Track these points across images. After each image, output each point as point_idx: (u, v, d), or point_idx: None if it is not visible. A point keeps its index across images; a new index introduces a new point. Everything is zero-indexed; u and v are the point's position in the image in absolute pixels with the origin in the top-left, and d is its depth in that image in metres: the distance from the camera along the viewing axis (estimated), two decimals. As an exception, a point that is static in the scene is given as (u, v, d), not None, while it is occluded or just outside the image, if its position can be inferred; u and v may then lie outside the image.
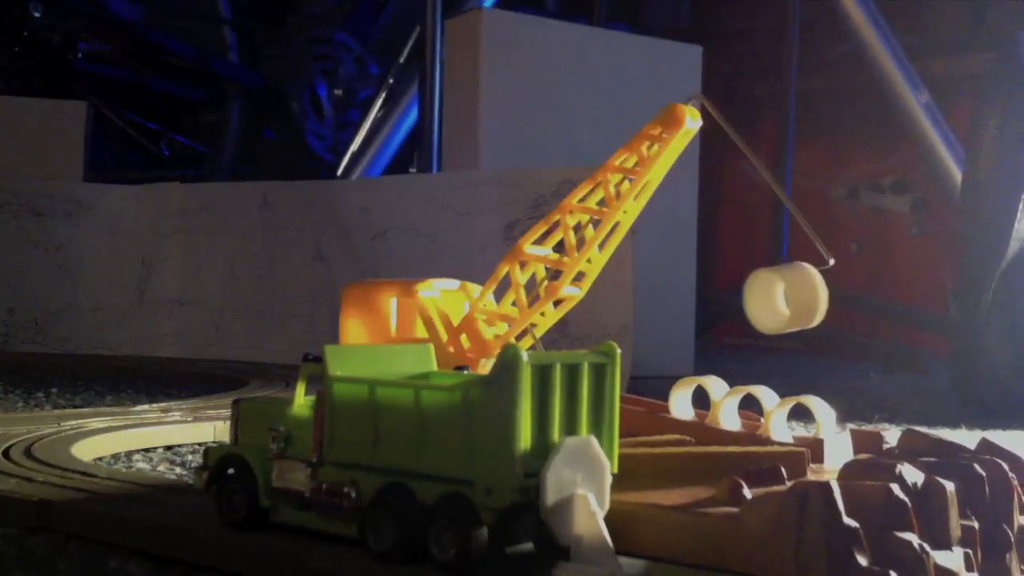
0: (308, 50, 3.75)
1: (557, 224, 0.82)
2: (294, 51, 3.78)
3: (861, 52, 3.04)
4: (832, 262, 0.80)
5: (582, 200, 0.81)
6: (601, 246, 0.80)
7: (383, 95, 3.38)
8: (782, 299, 0.81)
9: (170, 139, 3.77)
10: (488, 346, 0.82)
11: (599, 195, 0.81)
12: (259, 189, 2.39)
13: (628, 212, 0.80)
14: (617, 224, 0.80)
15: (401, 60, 3.33)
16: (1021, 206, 1.71)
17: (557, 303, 0.82)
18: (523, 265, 0.82)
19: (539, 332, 0.82)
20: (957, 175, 2.66)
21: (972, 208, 1.81)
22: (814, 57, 3.44)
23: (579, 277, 0.81)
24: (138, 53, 3.67)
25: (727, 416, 0.87)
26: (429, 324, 0.84)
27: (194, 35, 3.86)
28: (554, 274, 0.81)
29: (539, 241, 0.82)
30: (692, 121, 0.78)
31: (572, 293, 0.81)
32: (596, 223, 0.80)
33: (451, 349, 0.83)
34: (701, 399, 0.90)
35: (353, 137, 3.43)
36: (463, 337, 0.83)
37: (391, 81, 3.37)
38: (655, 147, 0.79)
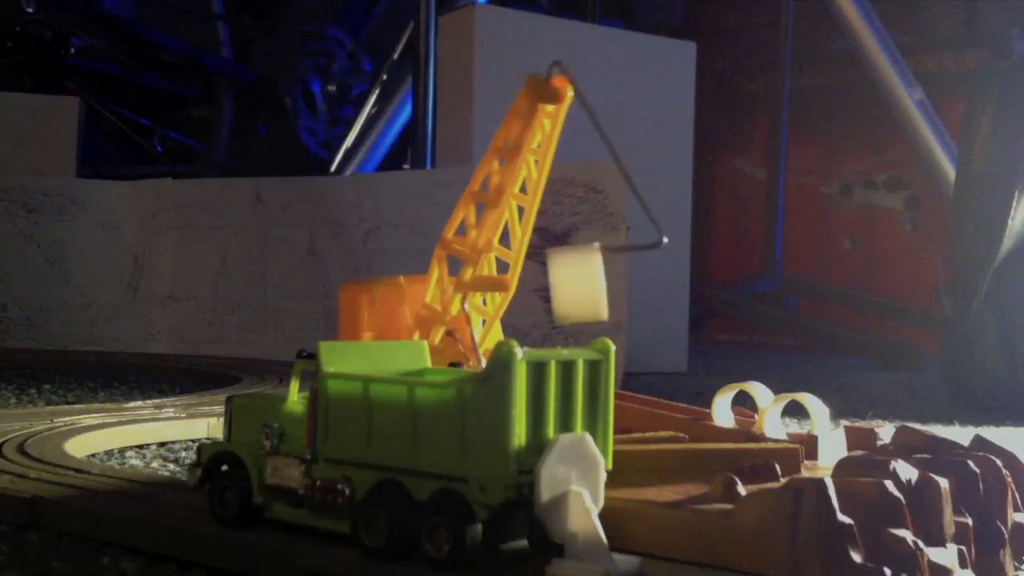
0: (301, 46, 3.74)
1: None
2: (287, 47, 3.77)
3: (855, 49, 3.04)
4: (665, 240, 0.75)
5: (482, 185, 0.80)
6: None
7: (376, 91, 3.38)
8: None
9: (163, 135, 3.77)
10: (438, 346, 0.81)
11: (497, 178, 0.79)
12: (252, 185, 2.38)
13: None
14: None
15: (395, 56, 3.33)
16: (1014, 203, 1.71)
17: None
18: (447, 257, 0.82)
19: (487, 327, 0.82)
20: (951, 172, 2.67)
21: (966, 205, 1.81)
22: (808, 54, 3.45)
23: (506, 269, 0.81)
24: (130, 49, 3.66)
25: (720, 413, 0.87)
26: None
27: (186, 30, 3.85)
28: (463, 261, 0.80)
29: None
30: (547, 89, 0.78)
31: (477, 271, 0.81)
32: (520, 210, 0.79)
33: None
34: (695, 398, 0.90)
35: (346, 133, 3.43)
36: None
37: (384, 77, 3.36)
38: (549, 123, 0.79)
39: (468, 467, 0.59)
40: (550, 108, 0.78)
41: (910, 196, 3.35)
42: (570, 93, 0.78)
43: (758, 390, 0.85)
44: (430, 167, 2.58)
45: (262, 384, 1.67)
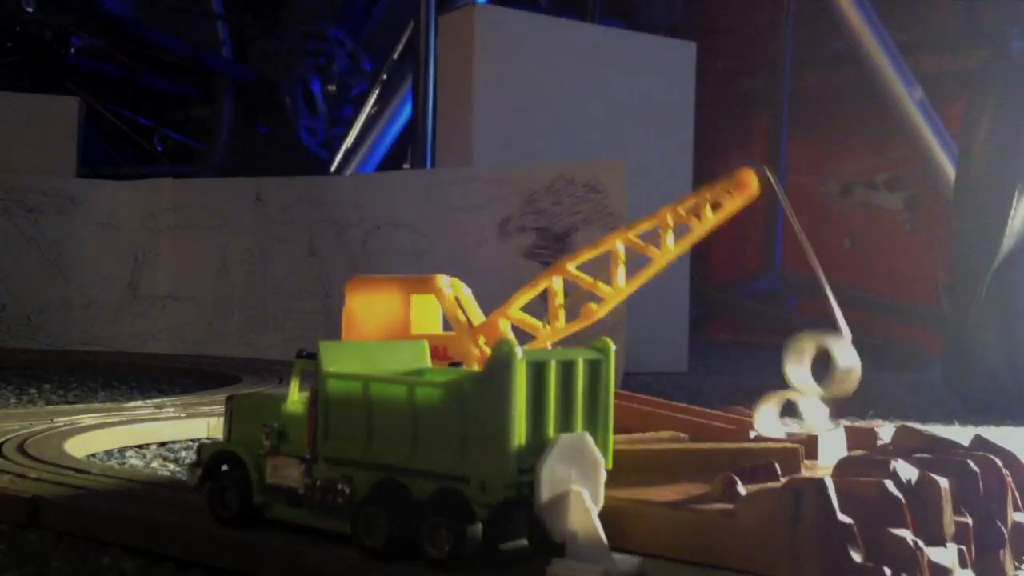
0: (301, 45, 3.74)
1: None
2: (287, 47, 3.77)
3: (855, 49, 3.04)
4: (849, 338, 0.83)
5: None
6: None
7: (376, 91, 3.38)
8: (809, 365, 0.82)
9: (163, 135, 3.76)
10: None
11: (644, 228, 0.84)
12: (252, 184, 2.38)
13: (669, 255, 0.84)
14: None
15: (395, 56, 3.32)
16: (1014, 203, 1.71)
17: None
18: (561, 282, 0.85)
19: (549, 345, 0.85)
20: (951, 172, 2.67)
21: (966, 205, 1.81)
22: (808, 53, 3.44)
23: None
24: (130, 49, 3.66)
25: (765, 423, 0.85)
26: (455, 320, 0.85)
27: (186, 30, 3.85)
28: (589, 296, 0.85)
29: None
30: (755, 188, 0.82)
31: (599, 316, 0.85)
32: (644, 260, 0.84)
33: (476, 350, 0.84)
34: (694, 398, 0.90)
35: (346, 133, 3.43)
36: (481, 338, 0.84)
37: (384, 77, 3.36)
38: (718, 206, 0.84)
39: (468, 467, 0.59)
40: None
41: (910, 196, 3.35)
42: (753, 191, 0.83)
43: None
44: (430, 167, 2.58)
45: (262, 384, 1.67)
